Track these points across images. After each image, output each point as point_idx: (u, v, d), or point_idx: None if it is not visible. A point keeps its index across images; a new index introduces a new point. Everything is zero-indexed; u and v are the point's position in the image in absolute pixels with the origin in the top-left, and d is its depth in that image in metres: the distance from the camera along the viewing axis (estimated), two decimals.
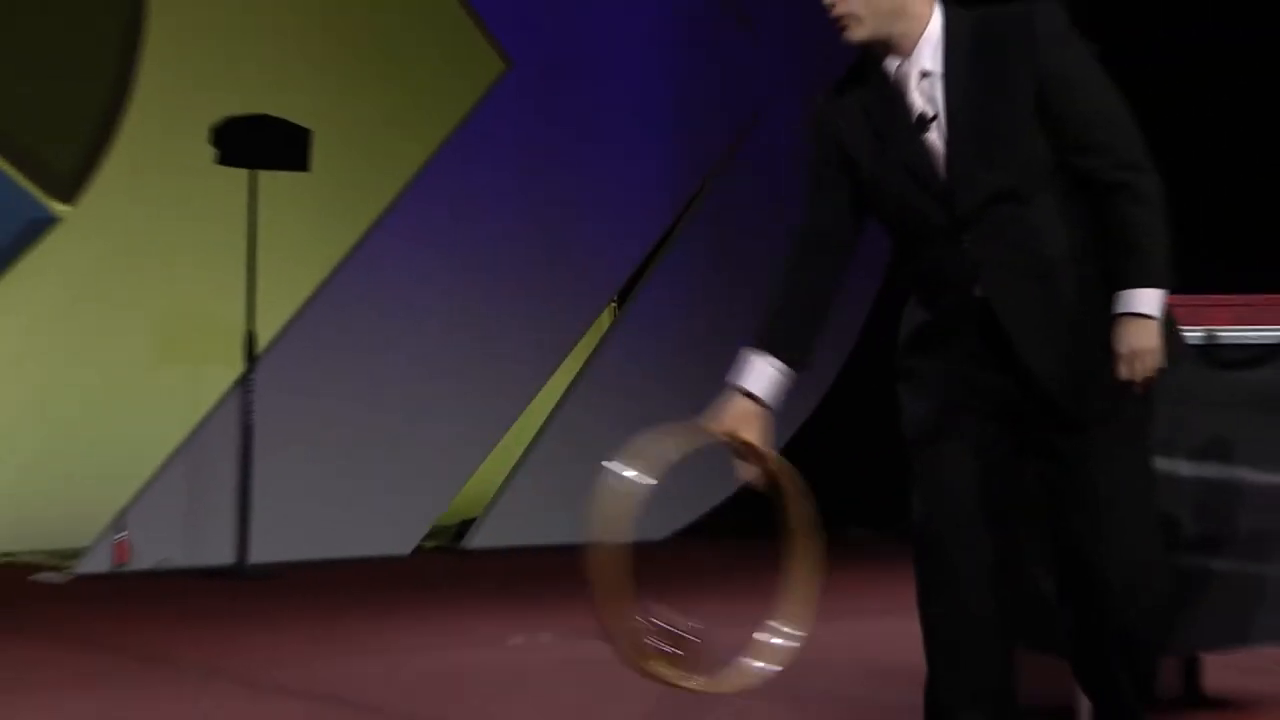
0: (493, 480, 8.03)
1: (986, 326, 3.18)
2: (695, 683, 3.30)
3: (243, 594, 6.59)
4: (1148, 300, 3.12)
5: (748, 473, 3.28)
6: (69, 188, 7.61)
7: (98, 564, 6.98)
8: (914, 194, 3.20)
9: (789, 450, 9.85)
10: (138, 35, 7.68)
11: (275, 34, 7.93)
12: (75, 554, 7.07)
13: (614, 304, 8.55)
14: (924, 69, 3.18)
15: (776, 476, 3.27)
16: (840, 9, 3.15)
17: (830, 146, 3.27)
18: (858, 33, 3.17)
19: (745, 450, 3.22)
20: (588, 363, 8.28)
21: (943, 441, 3.24)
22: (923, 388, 3.27)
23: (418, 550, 7.74)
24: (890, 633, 5.31)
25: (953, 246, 3.18)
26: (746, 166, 8.58)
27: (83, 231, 7.60)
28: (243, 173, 7.07)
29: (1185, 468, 4.18)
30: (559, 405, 8.14)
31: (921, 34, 3.19)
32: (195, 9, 7.76)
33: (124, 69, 7.68)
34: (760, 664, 3.44)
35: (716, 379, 9.59)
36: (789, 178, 8.22)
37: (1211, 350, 4.18)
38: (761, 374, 3.24)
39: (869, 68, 3.24)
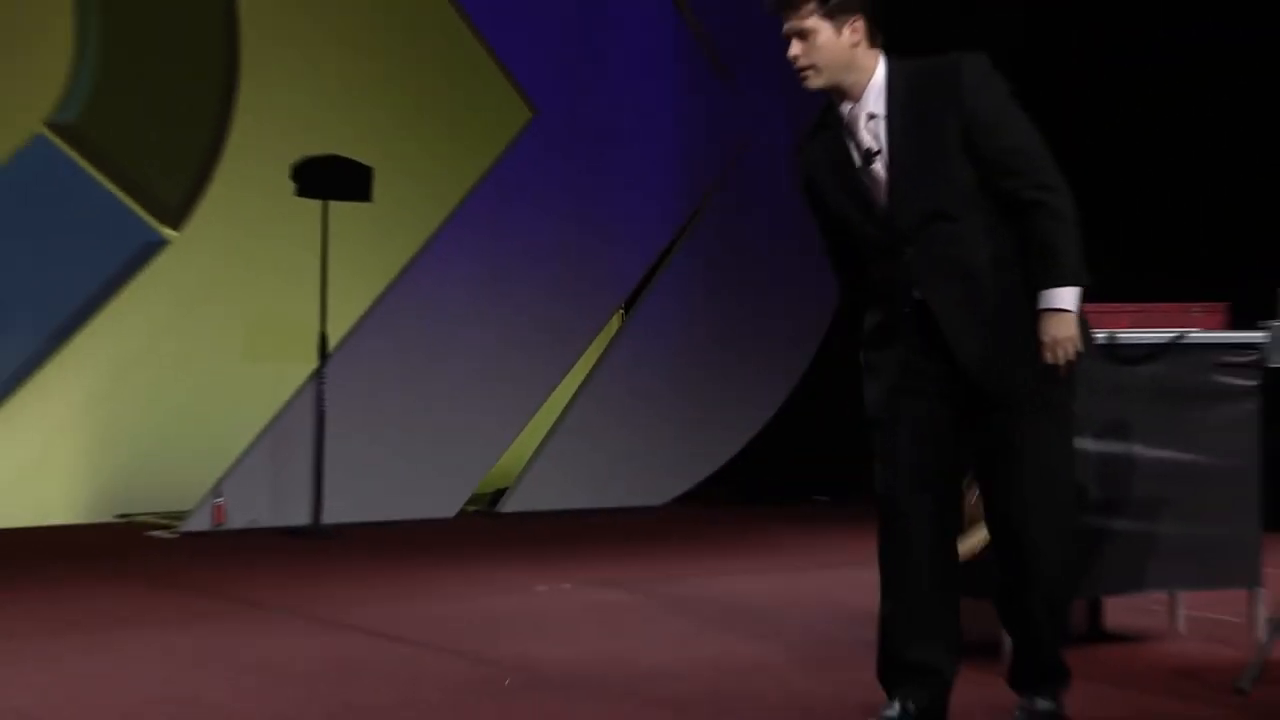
0: (521, 456, 8.01)
1: (926, 322, 3.20)
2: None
3: (317, 549, 6.60)
4: (1066, 297, 3.16)
5: None
6: (176, 215, 7.59)
7: (199, 523, 7.00)
8: (864, 215, 3.22)
9: (768, 431, 9.77)
10: (233, 89, 7.67)
11: (343, 88, 7.93)
12: (181, 515, 7.10)
13: (622, 311, 8.55)
14: (870, 112, 3.21)
15: None
16: (802, 61, 3.19)
17: (810, 187, 3.31)
18: (815, 81, 3.21)
19: None
20: (599, 360, 8.29)
21: (896, 422, 3.25)
22: (879, 376, 3.28)
23: (460, 514, 7.72)
24: (850, 580, 5.34)
25: (897, 258, 3.20)
26: (736, 192, 8.57)
27: (187, 252, 7.59)
28: (317, 203, 7.08)
29: (1091, 444, 4.22)
30: (576, 394, 8.14)
31: (869, 83, 3.21)
32: (278, 70, 7.75)
33: (222, 117, 7.67)
34: None
35: (710, 377, 9.49)
36: (772, 202, 8.26)
37: (1113, 348, 4.21)
38: None
39: (830, 113, 3.28)
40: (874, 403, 3.28)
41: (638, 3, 8.38)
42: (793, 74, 3.22)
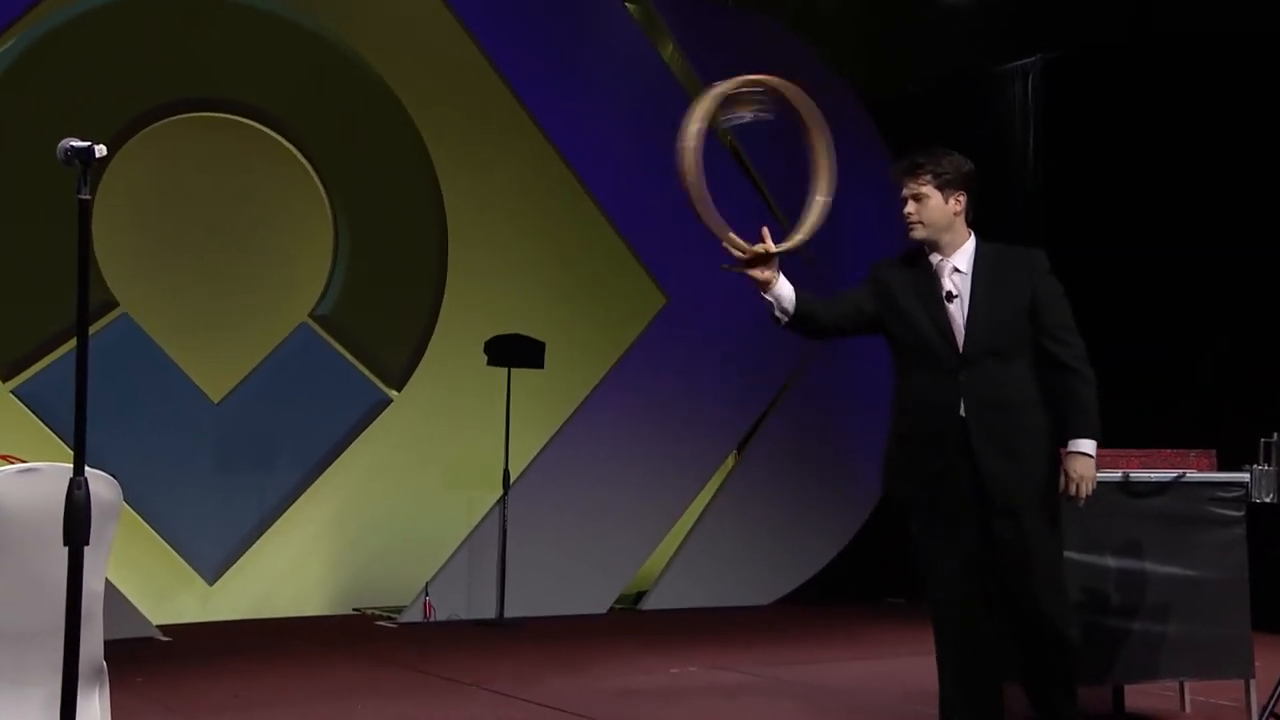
0: (658, 565, 7.92)
1: (961, 438, 3.18)
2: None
3: (501, 637, 6.58)
4: (1088, 445, 3.18)
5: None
6: (398, 380, 7.68)
7: (413, 616, 7.00)
8: (936, 340, 3.23)
9: (851, 545, 9.42)
10: (441, 287, 7.81)
11: (521, 280, 8.00)
12: (400, 609, 7.09)
13: (735, 451, 8.52)
14: (956, 266, 3.27)
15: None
16: (914, 217, 3.27)
17: (877, 283, 3.32)
18: (919, 233, 3.27)
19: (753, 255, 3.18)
20: (718, 490, 8.19)
21: (948, 550, 3.21)
22: (921, 504, 3.24)
23: (610, 610, 7.64)
24: (916, 667, 5.19)
25: (952, 379, 3.20)
26: (824, 361, 8.50)
27: (406, 408, 7.66)
28: (504, 370, 7.12)
29: (1111, 561, 4.15)
30: (700, 517, 8.05)
31: (960, 246, 3.27)
32: (474, 271, 7.87)
33: (434, 308, 7.80)
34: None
35: (805, 503, 9.14)
36: (853, 373, 8.18)
37: (1127, 484, 4.17)
38: (786, 284, 3.26)
39: (918, 255, 3.32)
40: (919, 531, 3.23)
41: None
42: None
